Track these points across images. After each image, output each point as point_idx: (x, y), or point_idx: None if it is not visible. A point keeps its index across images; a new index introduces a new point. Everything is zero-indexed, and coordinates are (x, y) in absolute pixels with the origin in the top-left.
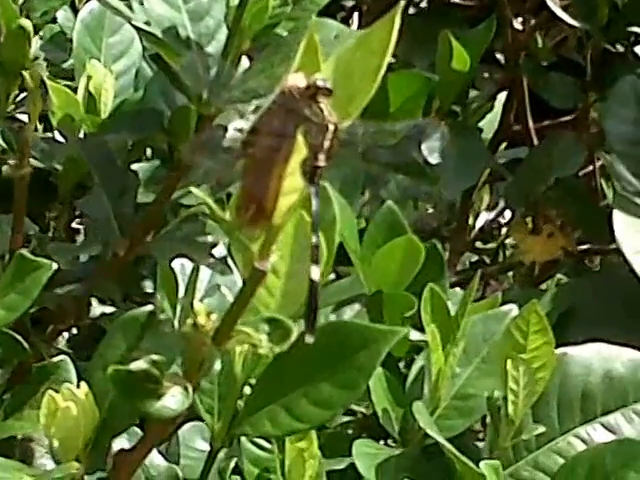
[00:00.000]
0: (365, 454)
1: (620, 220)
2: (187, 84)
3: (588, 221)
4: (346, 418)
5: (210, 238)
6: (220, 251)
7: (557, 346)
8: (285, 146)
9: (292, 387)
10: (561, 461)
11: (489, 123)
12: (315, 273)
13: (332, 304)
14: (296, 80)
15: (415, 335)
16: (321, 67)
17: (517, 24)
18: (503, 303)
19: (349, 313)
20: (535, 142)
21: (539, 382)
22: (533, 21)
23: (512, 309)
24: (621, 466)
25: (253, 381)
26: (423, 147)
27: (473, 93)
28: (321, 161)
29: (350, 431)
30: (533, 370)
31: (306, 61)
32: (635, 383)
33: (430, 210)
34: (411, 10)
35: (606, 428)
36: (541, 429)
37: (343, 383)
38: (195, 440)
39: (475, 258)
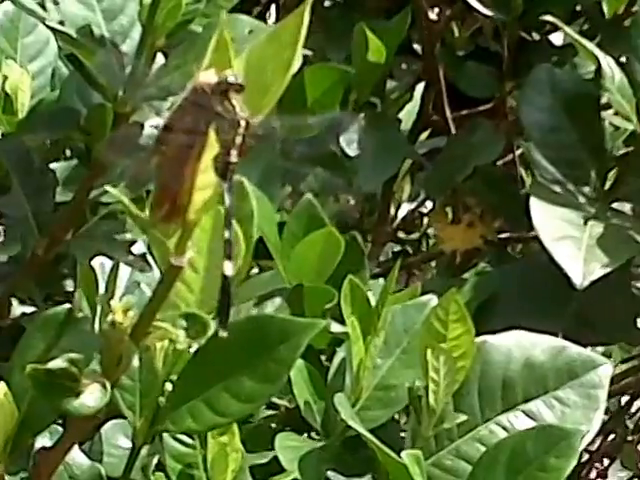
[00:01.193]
0: (288, 447)
1: (537, 207)
2: (102, 83)
3: (507, 209)
4: (269, 412)
5: (129, 236)
6: (139, 248)
7: (478, 335)
8: (197, 143)
9: (213, 382)
10: (483, 449)
11: (408, 114)
12: (228, 268)
13: (253, 298)
14: (207, 76)
15: (336, 327)
16: (233, 63)
17: (433, 15)
18: (423, 293)
19: (270, 307)
20: (454, 132)
21: (460, 371)
22: (448, 11)
23: (432, 299)
24: (542, 452)
25: (175, 377)
26: (341, 139)
27: (392, 84)
28: (233, 157)
29: (273, 425)
30: (453, 359)
31: (217, 57)
32: (555, 369)
33: (351, 202)
34: (327, 3)
35: (527, 415)
36: (462, 418)
37: (264, 377)
38: (118, 438)
39: (398, 248)
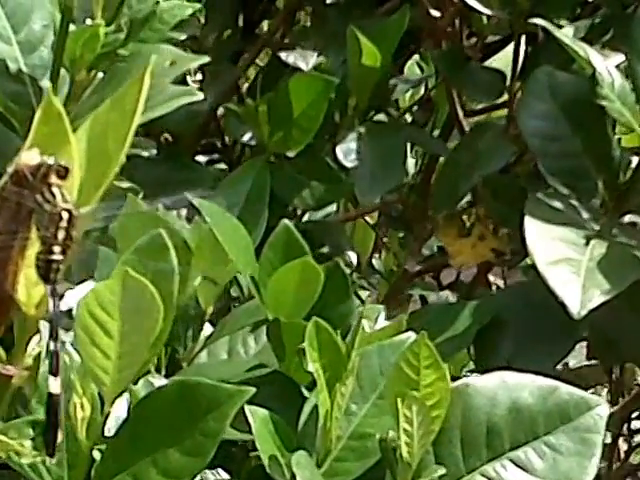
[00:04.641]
0: None
1: (532, 227)
2: (15, 124)
3: (516, 222)
4: None
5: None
6: (67, 302)
7: (482, 365)
8: (17, 242)
9: (141, 454)
10: None
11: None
12: (54, 386)
13: (240, 328)
14: (29, 157)
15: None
16: (69, 135)
17: (435, 12)
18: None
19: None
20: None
21: (435, 420)
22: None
23: (410, 337)
24: None
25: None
26: (337, 150)
27: None
28: (56, 254)
29: None
30: (427, 408)
31: (48, 131)
32: (545, 413)
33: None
34: (328, 0)
35: (515, 464)
36: (441, 471)
37: (191, 450)
38: None
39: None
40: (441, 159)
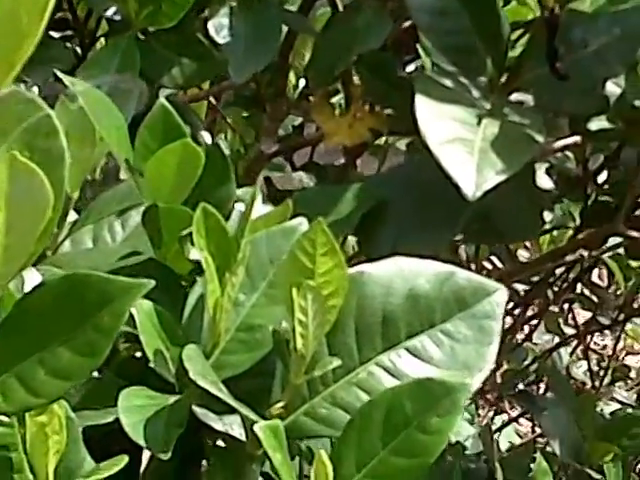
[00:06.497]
0: (133, 408)
1: (423, 105)
2: None
3: (395, 100)
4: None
5: None
6: None
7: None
8: None
9: (26, 353)
10: (362, 395)
11: None
12: None
13: (112, 213)
14: None
15: (195, 254)
16: None
17: None
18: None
19: (136, 218)
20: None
21: (331, 310)
22: None
23: (301, 223)
24: (422, 410)
25: None
26: (209, 25)
27: None
28: None
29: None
30: (323, 297)
31: None
32: (442, 300)
33: None
34: None
35: (412, 353)
36: (336, 362)
37: (83, 348)
38: None
39: (299, 121)
40: (301, 37)
